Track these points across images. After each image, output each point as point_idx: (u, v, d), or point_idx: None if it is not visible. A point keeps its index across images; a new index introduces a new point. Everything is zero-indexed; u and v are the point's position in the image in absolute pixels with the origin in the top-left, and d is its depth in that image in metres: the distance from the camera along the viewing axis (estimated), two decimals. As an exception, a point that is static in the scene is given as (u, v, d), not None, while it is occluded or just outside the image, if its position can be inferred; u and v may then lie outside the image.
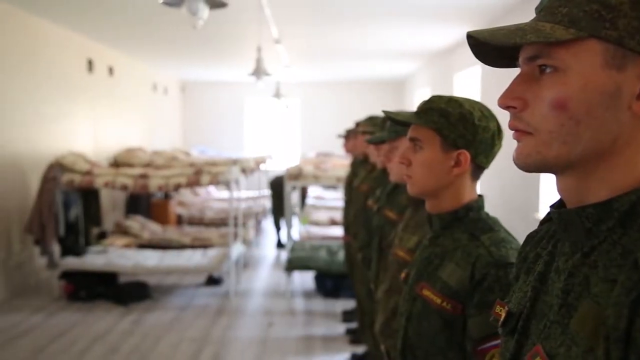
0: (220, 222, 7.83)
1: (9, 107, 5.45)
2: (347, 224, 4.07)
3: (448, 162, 1.29)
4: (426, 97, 1.39)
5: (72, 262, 5.44)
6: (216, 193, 9.95)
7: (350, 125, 5.10)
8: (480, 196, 1.33)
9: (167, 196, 8.05)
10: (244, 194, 8.02)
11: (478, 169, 1.32)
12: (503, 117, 1.01)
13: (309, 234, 6.75)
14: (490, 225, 1.27)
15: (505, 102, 0.70)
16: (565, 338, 0.63)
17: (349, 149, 4.60)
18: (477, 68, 6.50)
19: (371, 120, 3.33)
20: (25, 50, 5.71)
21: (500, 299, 0.85)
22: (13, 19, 5.50)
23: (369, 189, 3.15)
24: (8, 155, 5.43)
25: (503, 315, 0.79)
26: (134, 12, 5.71)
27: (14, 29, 5.51)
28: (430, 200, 1.34)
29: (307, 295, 5.70)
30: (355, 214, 3.55)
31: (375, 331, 1.91)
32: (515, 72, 0.72)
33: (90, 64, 7.20)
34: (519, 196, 5.11)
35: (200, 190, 9.63)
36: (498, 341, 0.84)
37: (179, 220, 8.07)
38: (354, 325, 4.63)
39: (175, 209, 8.18)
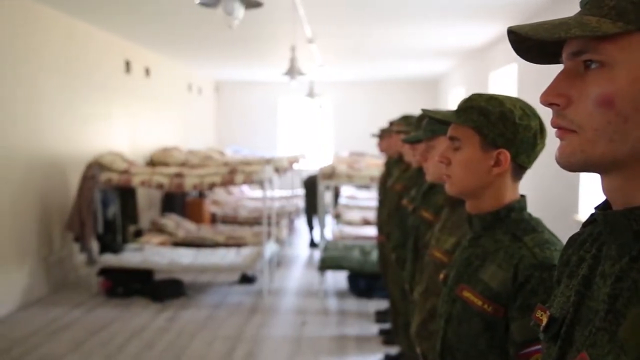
0: (253, 221, 7.89)
1: (50, 108, 5.59)
2: (381, 223, 4.05)
3: (488, 161, 1.27)
4: (461, 97, 1.37)
5: (109, 259, 5.56)
6: (250, 192, 10.02)
7: (384, 124, 5.07)
8: (522, 196, 1.30)
9: (201, 195, 8.15)
10: (277, 193, 8.06)
11: (519, 169, 1.29)
12: (546, 115, 0.98)
13: (342, 234, 6.74)
14: (533, 226, 1.24)
15: (547, 99, 0.67)
16: (613, 346, 0.61)
17: (383, 148, 4.58)
18: (514, 66, 6.37)
19: (406, 119, 3.30)
20: (65, 53, 5.85)
21: (543, 302, 0.82)
22: (53, 22, 5.64)
23: (403, 189, 3.13)
24: (49, 155, 5.58)
25: (544, 320, 0.76)
26: (170, 14, 5.79)
27: (54, 31, 5.65)
28: (470, 201, 1.32)
29: (340, 295, 5.69)
30: (389, 214, 3.52)
31: (411, 333, 1.89)
32: (554, 69, 0.69)
33: (127, 65, 7.34)
34: (557, 196, 4.99)
35: (234, 190, 9.71)
36: (541, 345, 0.81)
37: (213, 219, 8.16)
38: (387, 325, 4.61)
39: (209, 207, 8.27)
